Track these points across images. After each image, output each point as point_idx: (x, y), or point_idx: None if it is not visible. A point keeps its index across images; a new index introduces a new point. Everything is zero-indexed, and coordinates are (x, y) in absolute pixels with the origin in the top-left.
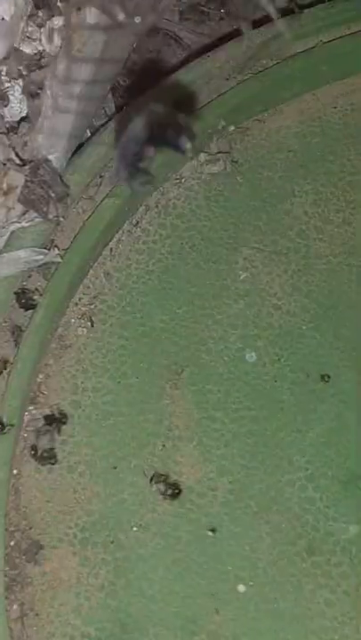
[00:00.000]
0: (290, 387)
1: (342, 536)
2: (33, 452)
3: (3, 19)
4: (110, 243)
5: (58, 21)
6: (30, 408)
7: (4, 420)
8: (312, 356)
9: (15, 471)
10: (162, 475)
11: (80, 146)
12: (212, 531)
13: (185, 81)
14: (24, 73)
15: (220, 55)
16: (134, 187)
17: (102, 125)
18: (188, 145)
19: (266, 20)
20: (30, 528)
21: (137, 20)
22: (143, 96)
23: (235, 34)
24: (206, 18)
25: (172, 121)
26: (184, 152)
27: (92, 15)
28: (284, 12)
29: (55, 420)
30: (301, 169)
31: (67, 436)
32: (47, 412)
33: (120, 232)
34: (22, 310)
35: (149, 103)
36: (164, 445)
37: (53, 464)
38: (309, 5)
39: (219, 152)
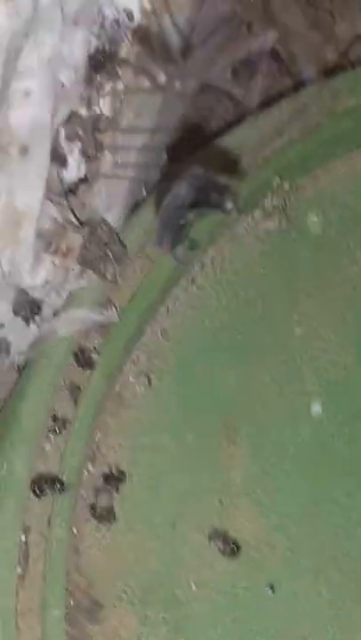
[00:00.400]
0: (348, 442)
1: None
2: (92, 511)
3: (63, 84)
4: (167, 301)
5: (116, 85)
6: (89, 466)
7: (64, 479)
8: None
9: (75, 530)
10: (220, 532)
11: (137, 205)
12: (271, 588)
13: (238, 139)
14: (82, 136)
15: (274, 112)
16: (177, 255)
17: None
18: (231, 205)
19: (318, 77)
20: (90, 587)
21: (189, 83)
22: (191, 157)
23: (287, 91)
24: (259, 74)
25: (213, 183)
26: (229, 212)
27: (147, 79)
28: (337, 68)
29: (113, 479)
30: (355, 223)
31: (125, 494)
32: (106, 470)
33: (176, 289)
34: (81, 369)
35: (190, 167)
36: (221, 502)
37: (112, 522)
38: None
39: (274, 208)
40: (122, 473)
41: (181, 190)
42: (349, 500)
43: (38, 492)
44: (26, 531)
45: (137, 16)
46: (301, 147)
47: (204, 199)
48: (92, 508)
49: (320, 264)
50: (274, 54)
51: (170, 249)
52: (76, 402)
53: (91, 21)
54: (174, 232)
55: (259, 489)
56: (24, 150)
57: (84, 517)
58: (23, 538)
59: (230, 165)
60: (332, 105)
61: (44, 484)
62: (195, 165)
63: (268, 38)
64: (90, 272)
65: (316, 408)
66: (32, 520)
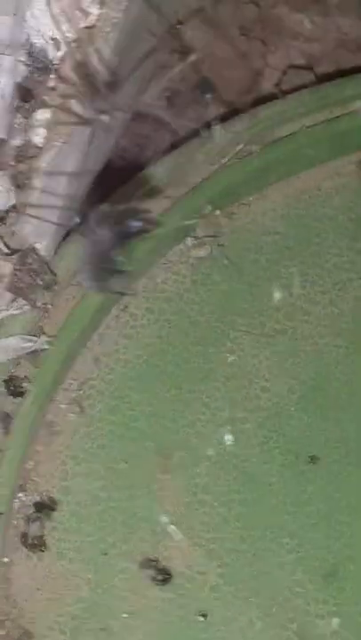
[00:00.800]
0: (279, 468)
1: (333, 619)
2: (23, 540)
3: None
4: (99, 328)
5: (44, 113)
6: (20, 495)
7: None
8: (300, 437)
9: (6, 559)
10: (152, 560)
11: (67, 233)
12: (203, 616)
13: (169, 167)
14: (11, 164)
15: (205, 140)
16: (111, 289)
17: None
18: (150, 225)
19: (250, 105)
20: (21, 617)
21: (118, 116)
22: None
23: (220, 118)
24: (193, 103)
25: (129, 213)
26: (150, 231)
27: (77, 108)
28: (269, 98)
29: (45, 507)
30: (287, 251)
31: (57, 522)
32: (37, 498)
33: (108, 317)
34: (11, 397)
35: (101, 209)
36: (153, 530)
37: (43, 551)
38: (293, 90)
39: (205, 236)
40: (53, 501)
41: (100, 236)
42: (280, 529)
43: None
44: None
45: (63, 46)
46: (233, 174)
47: (125, 232)
48: (23, 536)
49: (252, 291)
50: (207, 83)
51: (103, 289)
52: (6, 431)
53: (18, 50)
54: (104, 274)
55: (191, 518)
56: None
57: (15, 546)
58: None
59: (157, 192)
60: (264, 134)
61: None
62: (104, 205)
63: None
64: (20, 300)
65: (247, 436)
66: None
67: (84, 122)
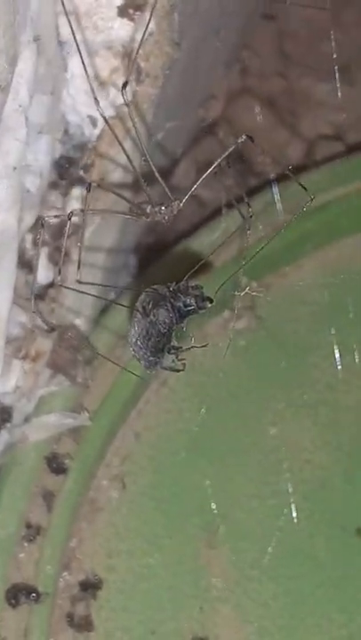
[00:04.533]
0: (325, 542)
1: None
2: (69, 620)
3: (28, 191)
4: (139, 403)
5: (81, 190)
6: (65, 574)
7: (39, 588)
8: (346, 509)
9: None
10: (201, 638)
11: (105, 307)
12: None
13: (204, 239)
14: (49, 241)
15: (240, 212)
16: (162, 366)
17: (126, 286)
18: (208, 303)
19: (284, 175)
20: None
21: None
22: (158, 260)
23: (252, 190)
24: (224, 174)
25: (184, 292)
26: (201, 308)
27: (115, 178)
28: (301, 168)
29: (90, 586)
30: (325, 321)
31: (103, 601)
32: (82, 577)
33: (148, 391)
34: (54, 475)
35: (159, 290)
36: (201, 608)
37: (90, 631)
38: (325, 161)
39: (243, 308)
40: (99, 580)
41: (155, 315)
42: (330, 604)
43: (13, 602)
44: None
45: (100, 123)
46: (268, 245)
47: (180, 310)
48: (70, 616)
49: (291, 363)
50: (238, 154)
51: (155, 366)
52: (49, 508)
53: (55, 128)
54: (158, 352)
55: (239, 594)
56: None
57: (60, 627)
58: None
59: (206, 269)
60: (297, 204)
61: (19, 593)
62: (161, 286)
63: (235, 142)
64: (60, 376)
65: (293, 509)
66: (8, 632)
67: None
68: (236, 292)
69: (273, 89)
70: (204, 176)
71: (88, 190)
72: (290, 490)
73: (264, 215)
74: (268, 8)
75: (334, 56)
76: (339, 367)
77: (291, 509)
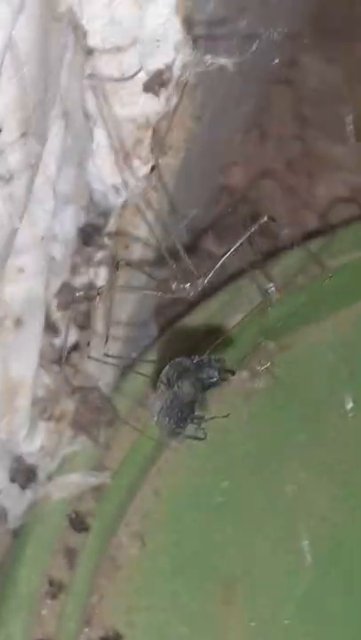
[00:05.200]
0: (342, 600)
1: None
2: None
3: (54, 258)
4: (158, 462)
5: (104, 255)
6: (86, 630)
7: None
8: None
9: None
10: None
11: (126, 368)
12: None
13: (222, 301)
14: (73, 304)
15: (256, 274)
16: (186, 435)
17: (146, 347)
18: (231, 375)
19: (300, 238)
20: None
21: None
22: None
23: (270, 252)
24: (240, 235)
25: (208, 364)
26: (224, 379)
27: (137, 251)
28: (318, 231)
29: None
30: (342, 381)
31: None
32: (102, 633)
33: (167, 451)
34: (76, 532)
35: (182, 362)
36: None
37: None
38: (341, 223)
39: (260, 368)
40: (119, 635)
41: (180, 387)
42: None
43: None
44: None
45: (124, 192)
46: (286, 307)
47: (204, 382)
48: None
49: (309, 422)
50: (254, 218)
51: (179, 435)
52: (71, 565)
53: (81, 197)
54: (182, 422)
55: None
56: (18, 322)
57: None
58: None
59: (216, 328)
60: (314, 267)
61: None
62: (185, 359)
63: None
64: (82, 436)
65: (310, 567)
66: None
67: (143, 264)
68: (258, 367)
69: (291, 152)
70: (227, 255)
71: (117, 269)
72: (306, 548)
73: (281, 278)
74: (284, 73)
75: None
76: (354, 426)
77: (308, 567)
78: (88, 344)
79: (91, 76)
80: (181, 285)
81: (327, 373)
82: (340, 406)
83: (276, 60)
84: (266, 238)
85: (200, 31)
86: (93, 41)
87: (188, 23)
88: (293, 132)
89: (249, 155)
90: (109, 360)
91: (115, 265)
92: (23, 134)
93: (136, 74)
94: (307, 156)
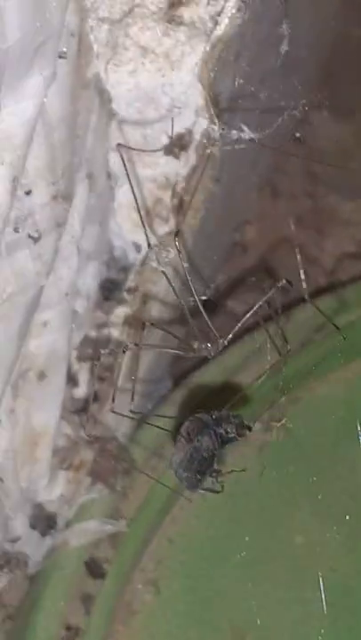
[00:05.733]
0: None
1: None
2: None
3: (76, 311)
4: (172, 510)
5: (124, 310)
6: None
7: None
8: None
9: None
10: None
11: (142, 418)
12: None
13: (238, 356)
14: (93, 356)
15: (270, 329)
16: (207, 487)
17: (162, 399)
18: (249, 431)
19: (310, 293)
20: None
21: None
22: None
23: (282, 308)
24: (253, 289)
25: (226, 419)
26: (241, 435)
27: (155, 308)
28: (328, 288)
29: None
30: (351, 434)
31: None
32: None
33: (181, 499)
34: (92, 579)
35: (201, 417)
36: None
37: None
38: (352, 279)
39: (272, 420)
40: None
41: (200, 442)
42: None
43: None
44: None
45: (144, 249)
46: (298, 363)
47: (223, 437)
48: None
49: (318, 474)
50: (267, 273)
51: (197, 487)
52: (88, 611)
53: (102, 253)
54: (201, 475)
55: None
56: (42, 375)
57: None
58: None
59: (230, 383)
60: (323, 322)
61: None
62: (204, 414)
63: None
64: (100, 484)
65: (319, 616)
66: None
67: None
68: (272, 422)
69: (301, 209)
70: (246, 317)
71: (143, 328)
72: (315, 597)
73: (294, 334)
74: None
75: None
76: None
77: (318, 618)
78: (113, 399)
79: (117, 145)
80: (203, 345)
81: (337, 426)
82: (349, 459)
83: (298, 135)
84: (279, 294)
85: (223, 104)
86: (118, 106)
87: (212, 94)
88: (304, 188)
89: (262, 213)
90: (132, 415)
91: (141, 325)
92: (54, 197)
93: (162, 148)
94: (316, 212)
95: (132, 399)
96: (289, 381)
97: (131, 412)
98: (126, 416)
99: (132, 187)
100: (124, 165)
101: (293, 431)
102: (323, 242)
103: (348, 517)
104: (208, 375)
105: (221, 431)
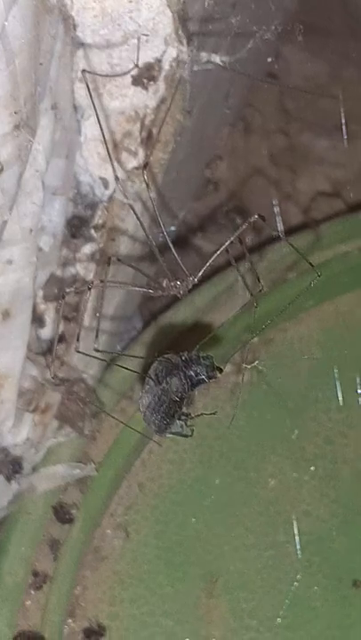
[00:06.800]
0: (323, 593)
1: None
2: None
3: (41, 249)
4: (142, 454)
5: (91, 248)
6: (69, 621)
7: (46, 635)
8: (343, 561)
9: None
10: None
11: (112, 360)
12: None
13: (207, 296)
14: (59, 296)
15: (241, 268)
16: (172, 432)
17: (131, 340)
18: (219, 373)
19: (282, 234)
20: None
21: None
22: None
23: (254, 246)
24: (225, 228)
25: (195, 361)
26: (212, 377)
27: (124, 245)
28: (302, 227)
29: (93, 633)
30: (324, 375)
31: None
32: (86, 624)
33: (151, 443)
34: (60, 524)
35: (171, 358)
36: None
37: None
38: (325, 218)
39: (243, 362)
40: (102, 627)
41: (172, 386)
42: None
43: None
44: None
45: (112, 184)
46: (271, 303)
47: (192, 380)
48: None
49: (291, 416)
50: (239, 211)
51: (165, 431)
52: (55, 557)
53: (68, 189)
54: (168, 419)
55: None
56: (6, 314)
57: None
58: None
59: (201, 323)
60: (297, 261)
61: None
62: (174, 355)
63: (247, 221)
64: (67, 427)
65: (291, 560)
66: None
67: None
68: (243, 364)
69: (274, 146)
70: (216, 254)
71: (108, 264)
72: (288, 541)
73: (267, 273)
74: (271, 67)
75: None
76: (337, 421)
77: (289, 560)
78: (78, 338)
79: (82, 71)
80: (172, 283)
81: (309, 367)
82: (324, 401)
83: (270, 59)
84: (252, 233)
85: (193, 27)
86: (83, 34)
87: (181, 19)
88: (278, 125)
89: (234, 148)
90: (97, 354)
91: (106, 261)
92: (15, 127)
93: (129, 71)
94: (290, 149)
95: (97, 337)
96: (261, 322)
97: (95, 350)
98: (91, 356)
99: (97, 117)
100: (89, 94)
101: (266, 373)
102: (297, 180)
103: (321, 460)
104: (178, 316)
105: (191, 373)
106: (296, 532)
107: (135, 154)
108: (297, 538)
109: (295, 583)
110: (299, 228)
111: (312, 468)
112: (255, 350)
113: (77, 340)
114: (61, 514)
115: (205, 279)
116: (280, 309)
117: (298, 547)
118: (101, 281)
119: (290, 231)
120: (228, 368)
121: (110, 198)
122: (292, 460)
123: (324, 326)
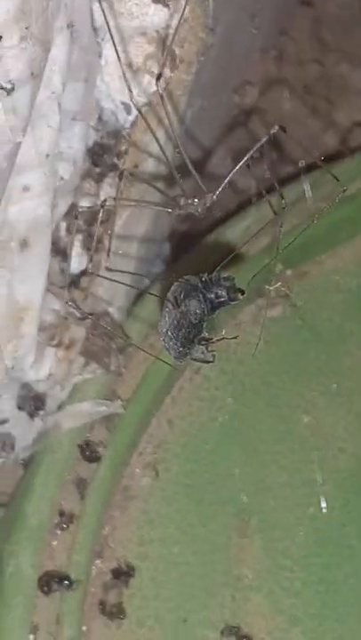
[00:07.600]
0: (357, 530)
1: None
2: (101, 608)
3: (62, 178)
4: (172, 391)
5: (114, 178)
6: (97, 562)
7: (72, 576)
8: None
9: (84, 628)
10: (233, 627)
11: (139, 295)
12: None
13: (239, 227)
14: (83, 228)
15: (275, 199)
16: (194, 357)
17: (159, 274)
18: (240, 296)
19: (318, 164)
20: None
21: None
22: (192, 248)
23: (289, 177)
24: (257, 163)
25: (217, 283)
26: (233, 299)
27: (148, 170)
28: (336, 156)
29: (122, 574)
30: (358, 308)
31: (135, 589)
32: (114, 565)
33: (181, 380)
34: (86, 463)
35: (191, 280)
36: (233, 596)
37: (122, 619)
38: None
39: (277, 296)
40: (131, 568)
41: (188, 306)
42: None
43: (46, 589)
44: (34, 629)
45: (134, 110)
46: (304, 233)
47: (213, 302)
48: (102, 604)
49: (326, 351)
50: (274, 142)
51: (187, 357)
52: (82, 496)
53: (89, 115)
54: (189, 343)
55: (271, 583)
56: (24, 244)
57: (93, 614)
58: (32, 637)
59: (230, 252)
60: (333, 191)
61: (52, 581)
62: (193, 277)
63: (268, 132)
64: (93, 364)
65: (325, 497)
66: (40, 618)
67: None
68: (267, 286)
69: (309, 76)
70: (236, 168)
71: (120, 179)
72: (322, 478)
73: (298, 203)
74: None
75: None
76: None
77: (323, 498)
78: (91, 259)
79: None
80: (189, 201)
81: (344, 301)
82: (358, 335)
83: None
84: (285, 162)
85: None
86: None
87: None
88: (313, 55)
89: (266, 76)
90: (116, 277)
91: (118, 175)
92: (22, 38)
93: None
94: (325, 80)
95: (108, 256)
96: (295, 255)
97: (106, 269)
98: (110, 279)
99: (111, 36)
100: (102, 10)
101: (299, 306)
102: (333, 111)
103: (356, 396)
104: (208, 244)
105: (211, 295)
106: (330, 468)
107: (158, 77)
108: (331, 475)
109: (330, 521)
110: (333, 158)
111: (347, 404)
112: (289, 283)
113: (91, 260)
114: (88, 452)
115: (236, 210)
116: (315, 242)
117: (332, 484)
118: (114, 198)
119: (326, 159)
120: (260, 302)
121: (133, 124)
122: (326, 395)
123: (359, 258)
